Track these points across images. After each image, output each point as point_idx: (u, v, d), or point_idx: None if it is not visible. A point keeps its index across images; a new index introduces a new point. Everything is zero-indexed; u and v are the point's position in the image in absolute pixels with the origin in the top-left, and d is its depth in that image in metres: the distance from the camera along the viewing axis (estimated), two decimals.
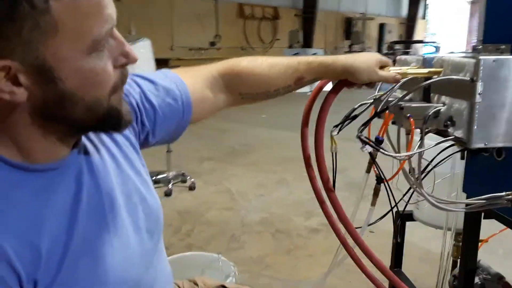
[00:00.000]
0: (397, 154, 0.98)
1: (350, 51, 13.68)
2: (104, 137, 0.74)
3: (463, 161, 1.24)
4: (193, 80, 0.90)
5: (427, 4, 19.30)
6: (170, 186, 3.76)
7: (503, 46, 1.10)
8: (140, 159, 0.83)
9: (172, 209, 3.38)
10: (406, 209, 1.84)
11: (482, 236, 1.63)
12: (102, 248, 0.64)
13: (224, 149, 5.26)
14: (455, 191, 1.45)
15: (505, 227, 1.21)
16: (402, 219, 1.84)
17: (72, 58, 0.55)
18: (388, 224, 1.67)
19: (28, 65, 0.53)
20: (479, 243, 1.55)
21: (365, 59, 0.93)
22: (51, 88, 0.55)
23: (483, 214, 1.68)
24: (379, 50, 13.23)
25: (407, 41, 15.77)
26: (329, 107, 1.01)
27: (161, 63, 7.94)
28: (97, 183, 0.67)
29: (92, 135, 0.72)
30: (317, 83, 1.06)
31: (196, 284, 1.09)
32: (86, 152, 0.68)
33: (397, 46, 12.13)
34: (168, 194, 3.68)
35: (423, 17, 19.19)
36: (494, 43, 1.12)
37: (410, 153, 0.95)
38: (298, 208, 3.29)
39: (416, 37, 17.17)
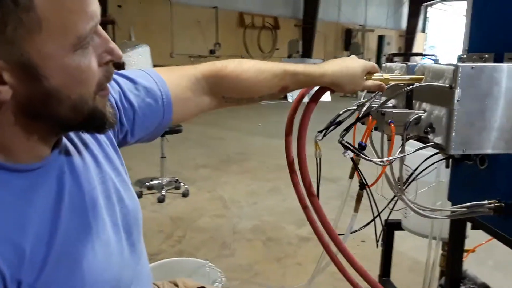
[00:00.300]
0: (378, 159, 0.98)
1: None
2: (86, 135, 0.74)
3: (449, 170, 1.25)
4: (175, 81, 0.88)
5: (427, 17, 19.46)
6: (163, 192, 3.75)
7: (487, 55, 1.11)
8: (119, 158, 0.82)
9: (165, 215, 3.37)
10: (395, 218, 1.85)
11: (471, 246, 1.64)
12: (84, 247, 0.64)
13: (219, 157, 5.27)
14: (440, 200, 1.45)
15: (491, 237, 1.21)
16: (389, 227, 1.84)
17: (57, 55, 0.54)
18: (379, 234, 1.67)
19: (12, 63, 0.52)
20: (467, 253, 1.55)
21: (352, 72, 0.93)
22: (36, 86, 0.54)
23: (471, 224, 1.68)
24: (378, 62, 13.29)
25: (406, 53, 15.87)
26: (310, 114, 1.01)
27: None
28: (78, 183, 0.67)
29: (73, 134, 0.71)
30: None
31: (176, 285, 1.09)
32: (67, 153, 0.68)
33: (396, 58, 12.18)
34: (161, 200, 3.67)
35: (423, 30, 19.33)
36: (479, 52, 1.14)
37: (391, 158, 0.95)
38: (290, 216, 3.29)
39: (415, 49, 17.29)
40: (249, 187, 4.10)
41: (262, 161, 5.07)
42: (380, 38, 14.03)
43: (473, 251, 1.59)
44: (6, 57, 0.52)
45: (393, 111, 0.99)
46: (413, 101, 1.05)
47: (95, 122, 0.63)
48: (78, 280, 0.61)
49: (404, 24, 17.97)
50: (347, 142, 0.98)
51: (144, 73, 0.86)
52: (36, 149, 0.62)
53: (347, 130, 1.01)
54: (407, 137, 0.99)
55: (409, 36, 17.55)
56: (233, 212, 3.48)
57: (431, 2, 17.91)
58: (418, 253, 2.54)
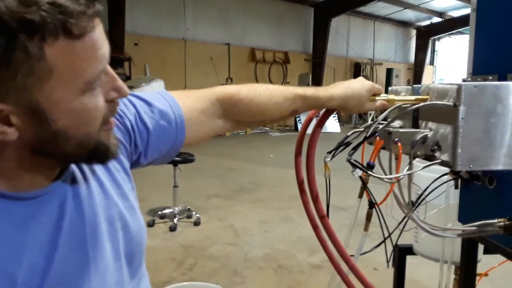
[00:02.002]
0: (386, 177, 1.01)
1: None
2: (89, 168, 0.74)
3: (458, 194, 1.26)
4: (190, 104, 0.90)
5: (435, 51, 19.67)
6: (175, 221, 3.77)
7: (490, 77, 1.15)
8: (131, 183, 0.82)
9: (176, 243, 3.37)
10: (406, 243, 1.84)
11: (484, 271, 1.62)
12: (80, 278, 0.64)
13: (231, 187, 5.29)
14: (450, 222, 1.45)
15: (505, 259, 1.21)
16: (401, 252, 1.83)
17: (66, 100, 0.54)
18: (391, 262, 1.66)
19: (21, 107, 0.53)
20: (479, 277, 1.54)
21: (358, 94, 0.97)
22: (43, 128, 0.55)
23: (483, 248, 1.67)
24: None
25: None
26: (318, 135, 1.05)
27: None
28: (80, 210, 0.67)
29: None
30: None
31: None
32: (73, 180, 0.68)
33: None
34: (173, 229, 3.68)
35: (431, 63, 19.51)
36: (483, 75, 1.17)
37: (399, 175, 0.98)
38: (301, 244, 3.27)
39: (424, 82, 17.38)
40: (260, 216, 4.10)
41: (273, 191, 5.08)
42: (389, 71, 14.18)
43: (486, 275, 1.58)
44: (15, 102, 0.52)
45: (400, 130, 1.03)
46: (419, 121, 1.08)
47: (98, 155, 0.63)
48: None
49: (412, 57, 18.19)
50: (355, 160, 1.01)
51: (159, 96, 0.88)
52: (39, 179, 0.62)
53: (355, 149, 1.04)
54: (414, 155, 1.02)
55: (417, 69, 17.72)
56: (244, 240, 3.47)
57: (438, 36, 18.16)
58: (433, 282, 2.50)
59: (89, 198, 0.69)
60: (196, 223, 3.85)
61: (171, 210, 3.94)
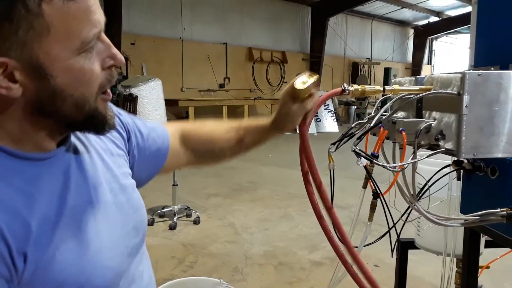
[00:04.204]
0: (390, 165, 1.01)
1: None
2: (96, 142, 0.79)
3: (460, 187, 1.27)
4: (171, 134, 1.00)
5: (433, 50, 19.73)
6: (175, 219, 3.77)
7: (492, 68, 1.15)
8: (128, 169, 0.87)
9: (176, 241, 3.37)
10: (408, 237, 1.85)
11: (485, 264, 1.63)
12: (90, 233, 0.67)
13: (230, 186, 5.29)
14: (453, 215, 1.46)
15: (506, 251, 1.21)
16: (403, 246, 1.83)
17: (63, 57, 0.59)
18: (392, 259, 1.66)
19: (23, 62, 0.58)
20: (481, 269, 1.54)
21: (279, 103, 0.92)
22: (43, 84, 0.60)
23: (485, 242, 1.68)
24: None
25: None
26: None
27: (171, 103, 8.15)
28: (85, 177, 0.71)
29: (83, 138, 0.77)
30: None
31: None
32: (75, 151, 0.73)
33: None
34: (172, 227, 3.68)
35: (429, 63, 19.56)
36: (485, 66, 1.18)
37: (403, 163, 0.98)
38: (302, 242, 3.27)
39: None
40: (260, 214, 4.10)
41: (273, 189, 5.09)
42: (387, 71, 14.22)
43: (488, 267, 1.59)
44: (18, 57, 0.57)
45: (404, 120, 1.03)
46: (423, 112, 1.08)
47: (95, 122, 0.67)
48: (84, 262, 0.65)
49: (410, 56, 18.24)
50: (359, 149, 1.01)
51: (154, 125, 0.99)
52: (43, 143, 0.67)
53: (359, 139, 1.05)
54: (418, 145, 1.02)
55: (415, 68, 17.77)
56: (244, 238, 3.47)
57: (436, 35, 18.22)
58: (434, 278, 2.50)
59: (92, 168, 0.74)
60: (196, 222, 3.84)
61: (170, 208, 3.94)
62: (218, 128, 1.02)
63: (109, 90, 0.68)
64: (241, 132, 1.00)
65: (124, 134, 0.88)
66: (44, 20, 0.56)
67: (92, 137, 0.79)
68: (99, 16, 0.62)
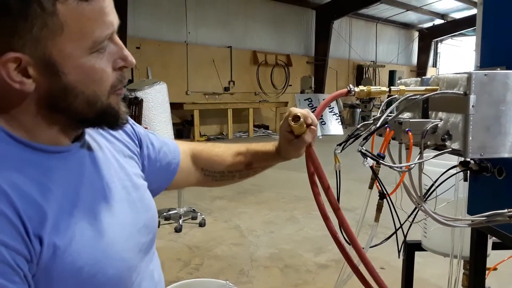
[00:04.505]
0: (396, 165, 1.01)
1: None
2: (109, 143, 0.82)
3: (467, 188, 1.26)
4: (183, 151, 1.03)
5: (438, 53, 19.68)
6: (180, 222, 3.77)
7: (498, 69, 1.15)
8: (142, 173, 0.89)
9: (182, 244, 3.38)
10: (414, 239, 1.84)
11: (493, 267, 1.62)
12: (104, 225, 0.69)
13: (235, 189, 5.28)
14: (459, 216, 1.45)
15: None
16: (410, 248, 1.83)
17: (75, 56, 0.61)
18: (398, 261, 1.66)
19: (36, 59, 0.60)
20: (488, 271, 1.53)
21: (282, 136, 0.92)
22: (55, 81, 0.62)
23: (492, 244, 1.67)
24: None
25: None
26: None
27: (176, 106, 8.17)
28: (98, 173, 0.73)
29: (98, 138, 0.79)
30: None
31: None
32: (90, 149, 0.75)
33: None
34: (178, 230, 3.69)
35: (434, 65, 19.51)
36: (490, 67, 1.18)
37: (410, 163, 0.98)
38: (307, 244, 3.27)
39: None
40: (265, 217, 4.10)
41: (278, 192, 5.09)
42: (391, 73, 14.19)
43: (495, 269, 1.58)
44: (32, 53, 0.59)
45: (411, 120, 1.03)
46: (429, 112, 1.08)
47: (107, 117, 0.69)
48: (99, 252, 0.66)
49: (414, 59, 18.20)
50: (366, 150, 1.01)
51: (167, 142, 1.02)
52: (58, 138, 0.68)
53: (366, 139, 1.05)
54: (425, 146, 1.02)
55: (420, 71, 17.72)
56: (250, 241, 3.47)
57: (441, 38, 18.17)
58: (441, 280, 2.49)
59: (106, 166, 0.76)
60: (201, 224, 3.85)
61: (176, 211, 3.95)
62: (227, 151, 1.04)
63: (122, 87, 0.70)
64: (248, 157, 1.03)
65: (137, 142, 0.90)
66: (58, 19, 0.58)
67: (105, 139, 0.81)
68: (113, 18, 0.64)
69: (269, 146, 1.01)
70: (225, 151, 1.05)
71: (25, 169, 0.62)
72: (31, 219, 0.59)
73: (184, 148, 1.04)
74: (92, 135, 0.77)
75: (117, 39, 0.67)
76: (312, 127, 0.91)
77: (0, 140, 0.63)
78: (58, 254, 0.61)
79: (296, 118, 0.88)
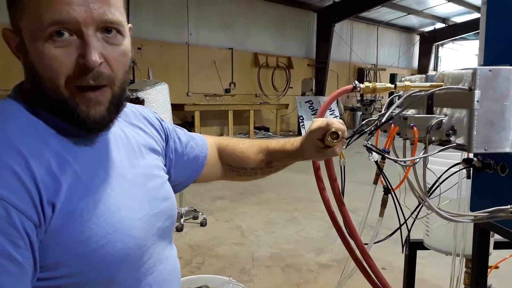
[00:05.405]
0: (401, 159, 1.02)
1: (361, 99, 13.93)
2: (137, 134, 0.86)
3: (470, 186, 1.27)
4: (210, 145, 1.07)
5: (439, 57, 19.71)
6: (181, 221, 3.78)
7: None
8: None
9: (183, 243, 3.38)
10: (416, 238, 1.85)
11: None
12: (118, 203, 0.71)
13: (236, 189, 5.30)
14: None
15: None
16: (412, 247, 1.83)
17: (32, 37, 0.65)
18: (399, 261, 1.66)
19: (20, 37, 0.67)
20: (490, 269, 1.54)
21: (309, 132, 0.95)
22: (27, 59, 0.67)
23: (494, 243, 1.68)
24: None
25: None
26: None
27: (177, 108, 8.18)
28: (120, 159, 0.76)
29: (125, 127, 0.83)
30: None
31: None
32: (115, 136, 0.78)
33: None
34: (179, 229, 3.69)
35: (435, 69, 19.53)
36: (494, 65, 1.19)
37: (415, 157, 0.99)
38: (309, 244, 3.27)
39: None
40: (266, 217, 4.11)
41: (278, 193, 5.09)
42: (392, 77, 14.20)
43: (497, 267, 1.58)
44: (19, 32, 0.67)
45: (415, 115, 1.04)
46: (434, 108, 1.09)
47: (63, 112, 0.68)
48: (109, 225, 0.68)
49: (415, 63, 18.22)
50: (371, 144, 1.02)
51: (195, 136, 1.06)
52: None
53: (371, 134, 1.06)
54: (429, 141, 1.03)
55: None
56: (251, 240, 3.48)
57: (442, 41, 18.20)
58: (442, 281, 2.50)
59: (128, 153, 0.80)
60: (203, 224, 3.86)
61: (177, 211, 3.95)
62: (250, 149, 1.07)
63: (90, 92, 0.68)
64: (269, 156, 1.05)
65: (163, 136, 0.94)
66: (21, 1, 0.65)
67: (132, 131, 0.85)
68: (73, 11, 0.63)
69: (288, 145, 1.03)
70: (248, 148, 1.07)
71: (49, 141, 0.66)
72: (46, 186, 0.62)
73: (211, 142, 1.08)
74: (120, 125, 0.81)
75: (88, 36, 0.65)
76: (343, 139, 0.94)
77: (37, 114, 0.68)
78: (68, 222, 0.64)
79: (335, 135, 0.90)
